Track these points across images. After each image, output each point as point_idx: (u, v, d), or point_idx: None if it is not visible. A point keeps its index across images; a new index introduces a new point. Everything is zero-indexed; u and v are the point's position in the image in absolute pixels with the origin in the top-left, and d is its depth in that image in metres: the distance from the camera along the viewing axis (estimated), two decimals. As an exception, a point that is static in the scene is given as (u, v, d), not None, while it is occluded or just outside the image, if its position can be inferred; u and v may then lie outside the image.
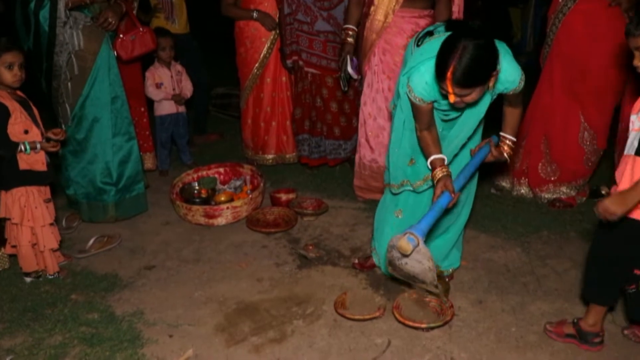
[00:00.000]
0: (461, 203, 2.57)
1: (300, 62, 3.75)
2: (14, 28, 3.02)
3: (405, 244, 1.97)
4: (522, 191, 3.59)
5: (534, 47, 7.78)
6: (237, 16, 3.91)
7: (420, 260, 2.03)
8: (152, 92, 3.99)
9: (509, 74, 2.13)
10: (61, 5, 2.85)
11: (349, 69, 3.23)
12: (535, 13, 7.83)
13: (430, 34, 2.29)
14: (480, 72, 1.99)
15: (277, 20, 3.78)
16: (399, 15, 3.06)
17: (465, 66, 1.93)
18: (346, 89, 3.44)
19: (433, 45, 2.12)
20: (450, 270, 2.68)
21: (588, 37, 3.13)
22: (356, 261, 2.79)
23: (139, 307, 2.48)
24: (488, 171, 3.83)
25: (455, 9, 3.17)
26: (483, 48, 1.95)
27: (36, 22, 2.88)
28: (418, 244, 1.99)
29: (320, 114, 3.82)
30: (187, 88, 4.13)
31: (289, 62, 3.78)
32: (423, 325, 2.24)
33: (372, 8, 3.09)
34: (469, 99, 2.03)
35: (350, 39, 3.21)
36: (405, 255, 2.03)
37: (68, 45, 2.93)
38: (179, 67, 4.10)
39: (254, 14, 3.80)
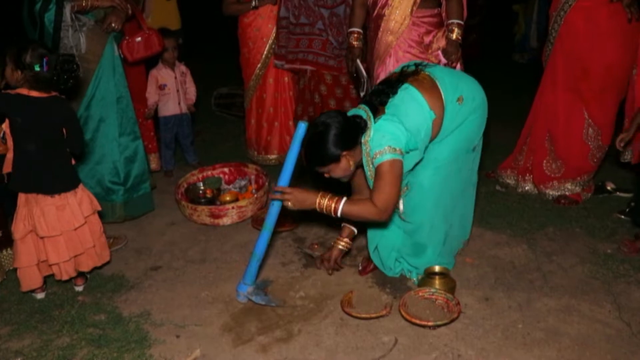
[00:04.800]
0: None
1: (286, 66, 3.81)
2: (21, 22, 3.02)
3: (240, 299, 2.52)
4: (527, 188, 3.58)
5: (538, 43, 7.74)
6: (237, 11, 3.94)
7: (257, 301, 2.50)
8: (150, 92, 3.92)
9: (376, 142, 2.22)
10: (67, 10, 2.87)
11: (364, 73, 3.18)
12: (539, 9, 7.79)
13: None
14: (313, 156, 2.27)
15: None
16: (415, 15, 2.96)
17: (305, 149, 2.28)
18: (363, 92, 3.32)
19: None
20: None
21: (590, 35, 3.12)
22: (360, 268, 2.75)
23: (145, 308, 2.49)
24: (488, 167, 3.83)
25: None
26: (317, 135, 2.23)
27: (41, 23, 2.89)
28: (246, 293, 2.50)
29: (318, 110, 3.80)
30: (191, 91, 4.11)
31: (276, 62, 3.85)
32: (430, 323, 2.24)
33: (387, 10, 2.96)
34: (329, 174, 2.32)
35: (357, 43, 3.13)
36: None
37: (72, 49, 2.94)
38: (183, 67, 4.07)
39: (254, 3, 3.84)
